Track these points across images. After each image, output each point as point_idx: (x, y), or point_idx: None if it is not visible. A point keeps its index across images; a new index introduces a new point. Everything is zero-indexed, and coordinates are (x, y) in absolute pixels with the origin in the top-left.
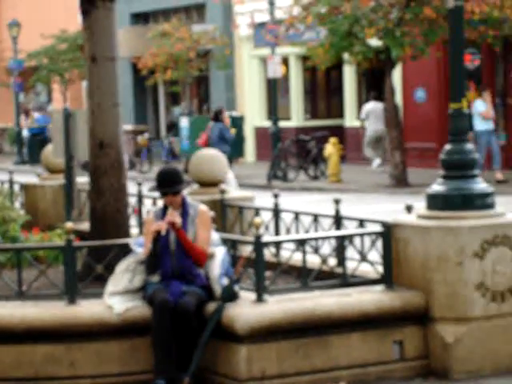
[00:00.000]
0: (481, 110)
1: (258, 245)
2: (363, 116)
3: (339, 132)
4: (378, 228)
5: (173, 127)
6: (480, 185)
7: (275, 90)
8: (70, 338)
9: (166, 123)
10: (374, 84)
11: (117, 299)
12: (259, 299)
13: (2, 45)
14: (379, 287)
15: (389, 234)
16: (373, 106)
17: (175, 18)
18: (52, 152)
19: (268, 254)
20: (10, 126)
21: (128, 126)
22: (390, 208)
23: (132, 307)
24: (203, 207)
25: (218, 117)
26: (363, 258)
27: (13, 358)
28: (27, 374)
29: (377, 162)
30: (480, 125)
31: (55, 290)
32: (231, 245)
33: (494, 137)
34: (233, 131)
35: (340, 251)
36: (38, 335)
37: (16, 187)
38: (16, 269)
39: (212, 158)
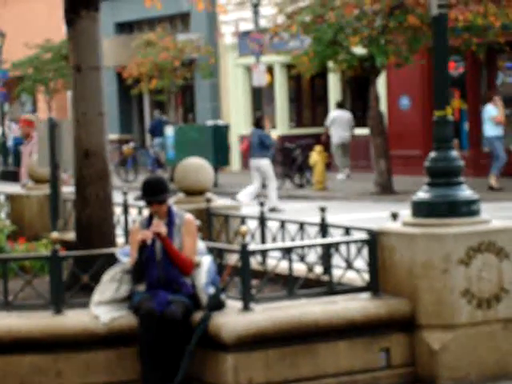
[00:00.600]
0: (492, 114)
1: (244, 253)
2: (328, 123)
3: (324, 140)
4: (363, 236)
5: (155, 131)
6: (465, 192)
7: (260, 99)
8: (56, 348)
9: (148, 129)
10: (358, 92)
11: (103, 309)
12: (246, 308)
13: None
14: (365, 295)
15: (374, 241)
16: (337, 114)
17: (160, 27)
18: (37, 162)
19: (254, 262)
20: None
21: (113, 136)
22: (376, 215)
23: (118, 317)
24: (189, 216)
25: (258, 123)
26: (349, 265)
27: None
28: None
29: (341, 175)
30: (491, 130)
31: (41, 300)
32: (217, 253)
33: (501, 142)
34: (274, 137)
35: (326, 259)
36: (24, 345)
37: (1, 197)
38: (2, 279)
39: (198, 166)
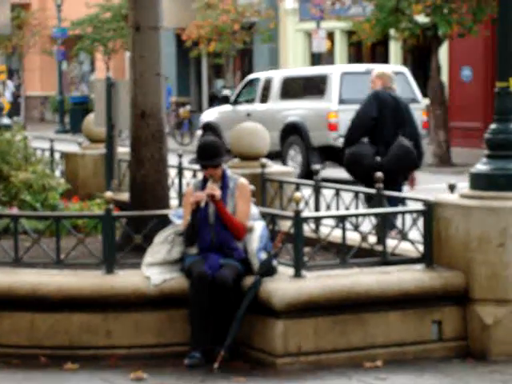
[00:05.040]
0: None
1: (298, 220)
2: None
3: None
4: (419, 206)
5: (215, 99)
6: None
7: (319, 65)
8: (106, 308)
9: (208, 95)
10: (419, 61)
11: (154, 270)
12: (297, 275)
13: (46, 13)
14: (419, 266)
15: (430, 212)
16: None
17: None
18: (93, 121)
19: (307, 229)
20: (53, 95)
21: (170, 98)
22: (433, 187)
23: (169, 279)
24: (243, 180)
25: None
26: (404, 236)
27: (48, 326)
28: (63, 343)
29: None
30: None
31: (93, 259)
32: (270, 219)
33: None
34: None
35: (380, 229)
36: (74, 304)
37: (57, 156)
38: (54, 237)
39: (252, 131)
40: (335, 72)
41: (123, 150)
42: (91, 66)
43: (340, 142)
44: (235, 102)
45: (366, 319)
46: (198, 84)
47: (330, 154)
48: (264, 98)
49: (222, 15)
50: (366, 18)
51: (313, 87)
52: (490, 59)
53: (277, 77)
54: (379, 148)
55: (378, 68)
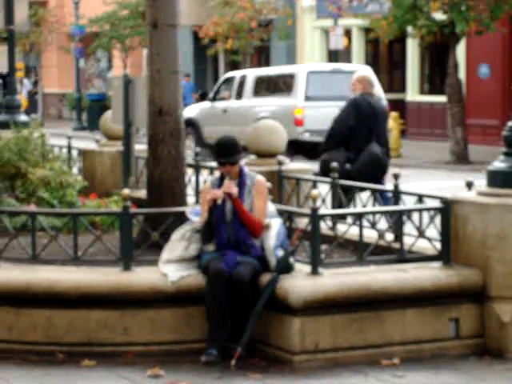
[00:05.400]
0: None
1: (315, 217)
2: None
3: (400, 106)
4: (437, 204)
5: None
6: None
7: (337, 62)
8: (123, 305)
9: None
10: (437, 58)
11: (171, 267)
12: (314, 272)
13: (64, 10)
14: (436, 264)
15: (448, 210)
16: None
17: None
18: (111, 118)
19: (324, 227)
20: (70, 92)
21: None
22: (450, 184)
23: (187, 276)
24: (260, 178)
25: None
26: (421, 233)
27: (66, 323)
28: (80, 340)
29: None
30: None
31: (111, 256)
32: (287, 217)
33: None
34: None
35: (397, 226)
36: (92, 301)
37: (74, 153)
38: (72, 234)
39: (270, 129)
40: (302, 71)
41: (140, 147)
42: (108, 63)
43: (306, 136)
44: (213, 99)
45: (382, 317)
46: (215, 81)
47: (296, 148)
48: (239, 95)
49: (239, 12)
50: (384, 15)
51: (282, 85)
52: (508, 56)
53: (250, 75)
54: (351, 155)
55: (348, 67)
